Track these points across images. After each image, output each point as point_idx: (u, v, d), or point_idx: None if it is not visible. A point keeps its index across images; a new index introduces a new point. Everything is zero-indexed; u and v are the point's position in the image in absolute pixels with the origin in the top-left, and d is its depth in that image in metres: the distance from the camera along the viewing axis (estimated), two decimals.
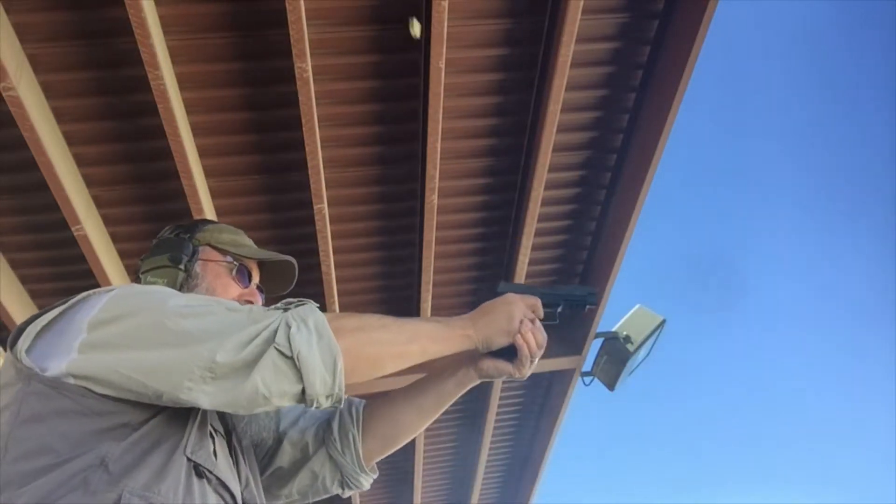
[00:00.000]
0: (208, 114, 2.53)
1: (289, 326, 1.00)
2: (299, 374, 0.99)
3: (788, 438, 26.42)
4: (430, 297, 3.30)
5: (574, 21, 2.33)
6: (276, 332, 1.00)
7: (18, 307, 2.94)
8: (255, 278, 1.39)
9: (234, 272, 1.34)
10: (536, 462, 5.06)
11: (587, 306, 1.40)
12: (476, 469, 4.97)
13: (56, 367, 0.99)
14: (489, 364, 1.30)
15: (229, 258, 1.35)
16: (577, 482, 26.08)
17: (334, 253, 3.02)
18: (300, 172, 2.68)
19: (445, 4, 2.18)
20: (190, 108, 2.47)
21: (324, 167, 2.64)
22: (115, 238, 2.89)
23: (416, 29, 2.24)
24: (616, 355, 3.87)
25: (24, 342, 1.02)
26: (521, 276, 3.31)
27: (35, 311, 3.04)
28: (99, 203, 2.73)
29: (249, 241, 1.41)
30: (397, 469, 4.95)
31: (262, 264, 1.42)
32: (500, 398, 4.34)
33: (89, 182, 2.66)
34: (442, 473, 5.31)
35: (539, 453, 4.95)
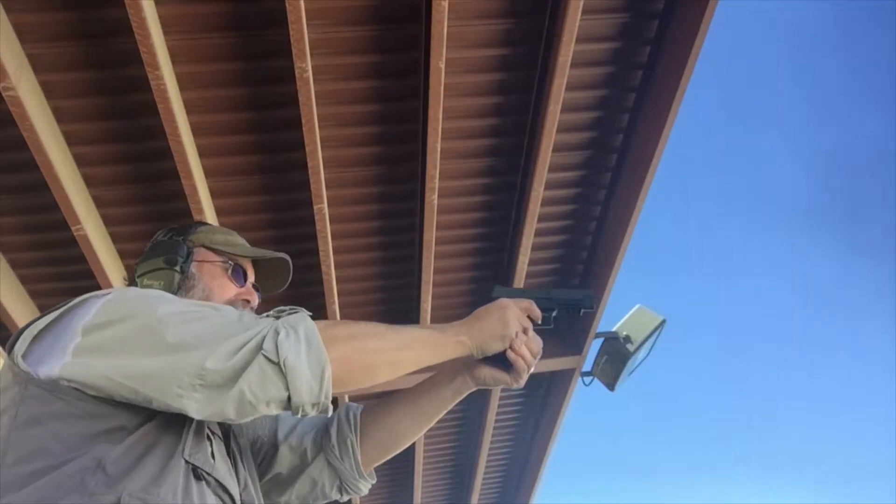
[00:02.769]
0: (208, 114, 2.53)
1: (277, 333, 1.00)
2: (286, 380, 0.98)
3: (789, 438, 26.44)
4: (430, 297, 3.30)
5: (574, 21, 2.33)
6: (264, 338, 1.00)
7: (18, 307, 2.94)
8: (251, 277, 1.40)
9: (229, 272, 1.34)
10: (536, 462, 5.06)
11: (583, 310, 1.36)
12: (476, 469, 4.97)
13: (50, 370, 0.99)
14: (486, 372, 1.30)
15: (224, 258, 1.35)
16: (577, 482, 26.10)
17: (334, 253, 3.02)
18: (300, 172, 2.68)
19: (445, 4, 2.18)
20: (190, 108, 2.47)
21: (324, 167, 2.64)
22: (115, 238, 2.89)
23: None
24: (616, 355, 3.87)
25: (20, 346, 1.03)
26: (520, 275, 3.31)
27: (35, 311, 3.05)
28: (99, 203, 2.73)
29: (242, 241, 1.41)
30: (397, 469, 4.95)
31: (256, 263, 1.42)
32: (500, 398, 4.35)
33: (89, 182, 2.66)
34: (442, 473, 5.31)
35: (539, 453, 4.95)
